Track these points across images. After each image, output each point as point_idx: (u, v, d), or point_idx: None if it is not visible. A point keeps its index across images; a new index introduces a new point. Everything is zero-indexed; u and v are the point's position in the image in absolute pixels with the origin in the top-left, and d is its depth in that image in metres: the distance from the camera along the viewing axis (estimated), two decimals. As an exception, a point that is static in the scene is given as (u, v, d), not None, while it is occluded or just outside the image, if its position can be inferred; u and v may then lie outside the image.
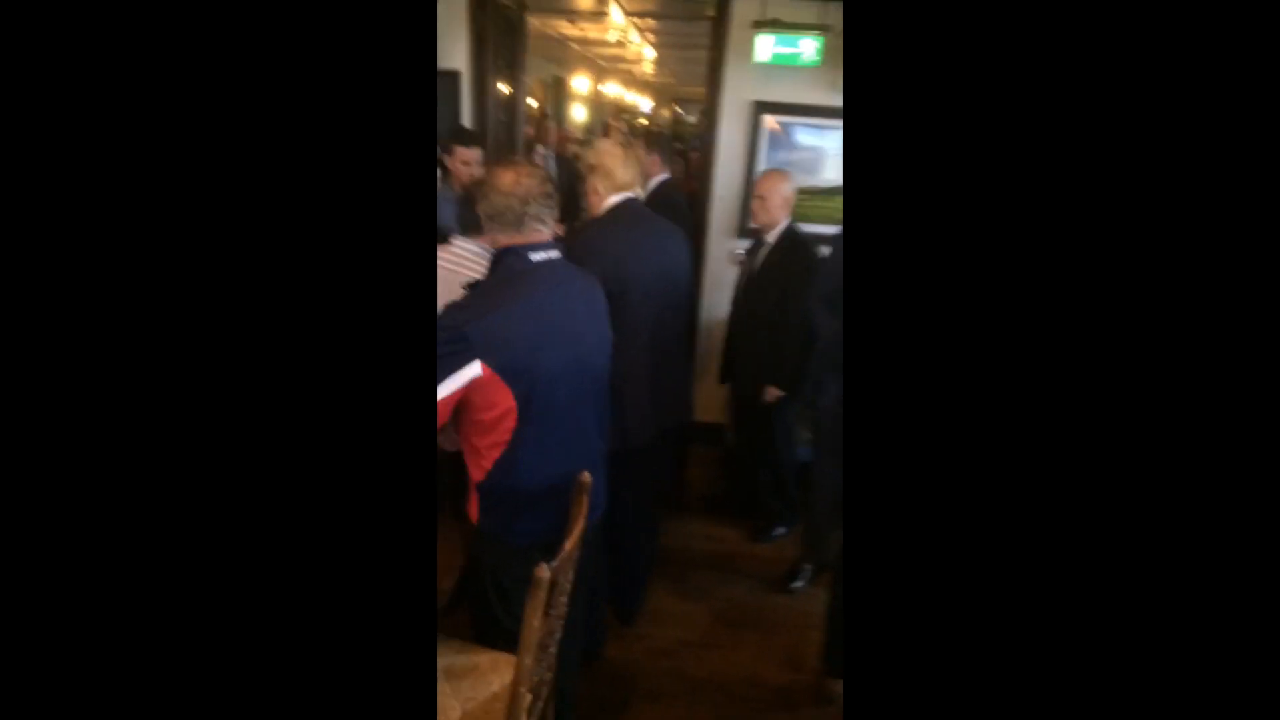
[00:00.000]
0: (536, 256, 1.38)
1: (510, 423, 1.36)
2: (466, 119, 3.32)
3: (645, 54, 9.99)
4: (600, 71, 10.37)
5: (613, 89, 10.38)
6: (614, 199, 1.89)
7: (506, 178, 1.36)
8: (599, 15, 6.12)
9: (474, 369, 1.25)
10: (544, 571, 1.08)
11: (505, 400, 1.32)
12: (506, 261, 1.38)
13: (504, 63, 3.60)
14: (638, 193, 1.94)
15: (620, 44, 8.21)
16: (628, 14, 6.07)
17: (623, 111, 11.10)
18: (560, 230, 1.53)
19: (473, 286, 1.49)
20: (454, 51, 3.24)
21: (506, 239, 1.37)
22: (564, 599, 1.29)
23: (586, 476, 1.40)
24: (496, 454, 1.38)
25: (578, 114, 8.72)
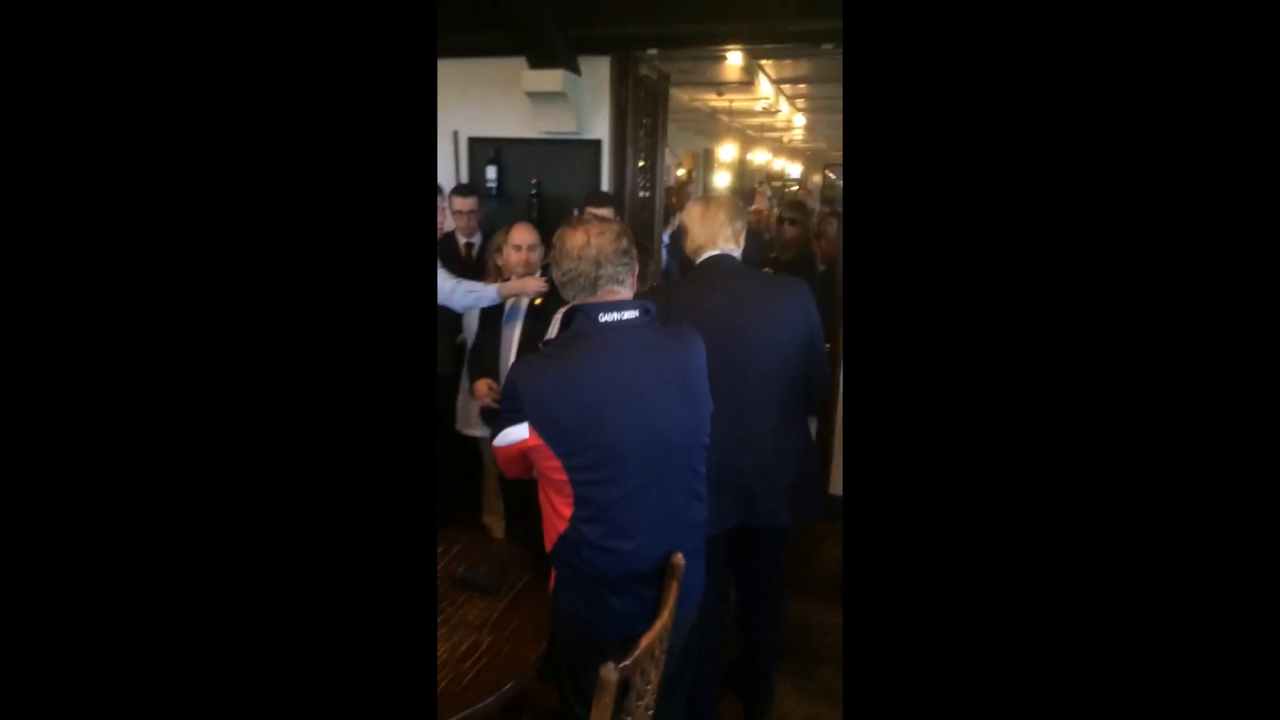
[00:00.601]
0: (606, 318, 1.25)
1: (567, 500, 1.24)
2: (605, 187, 3.40)
3: (795, 121, 10.02)
4: (748, 141, 10.50)
5: (761, 156, 10.44)
6: (697, 259, 1.79)
7: (577, 239, 1.26)
8: (746, 85, 6.18)
9: (522, 431, 1.19)
10: (610, 672, 0.94)
11: (558, 473, 1.21)
12: (575, 321, 1.28)
13: (646, 132, 3.68)
14: (729, 249, 1.78)
15: (769, 112, 8.28)
16: (775, 81, 6.08)
17: (771, 178, 11.11)
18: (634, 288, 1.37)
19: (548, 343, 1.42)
20: (596, 121, 3.35)
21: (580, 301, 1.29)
22: (642, 703, 1.13)
23: (679, 559, 1.25)
24: (562, 527, 1.27)
25: (721, 181, 8.82)
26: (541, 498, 1.29)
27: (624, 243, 1.28)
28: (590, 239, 1.25)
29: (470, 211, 3.03)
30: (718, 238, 1.76)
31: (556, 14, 3.01)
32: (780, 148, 12.16)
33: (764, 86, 6.66)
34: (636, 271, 1.33)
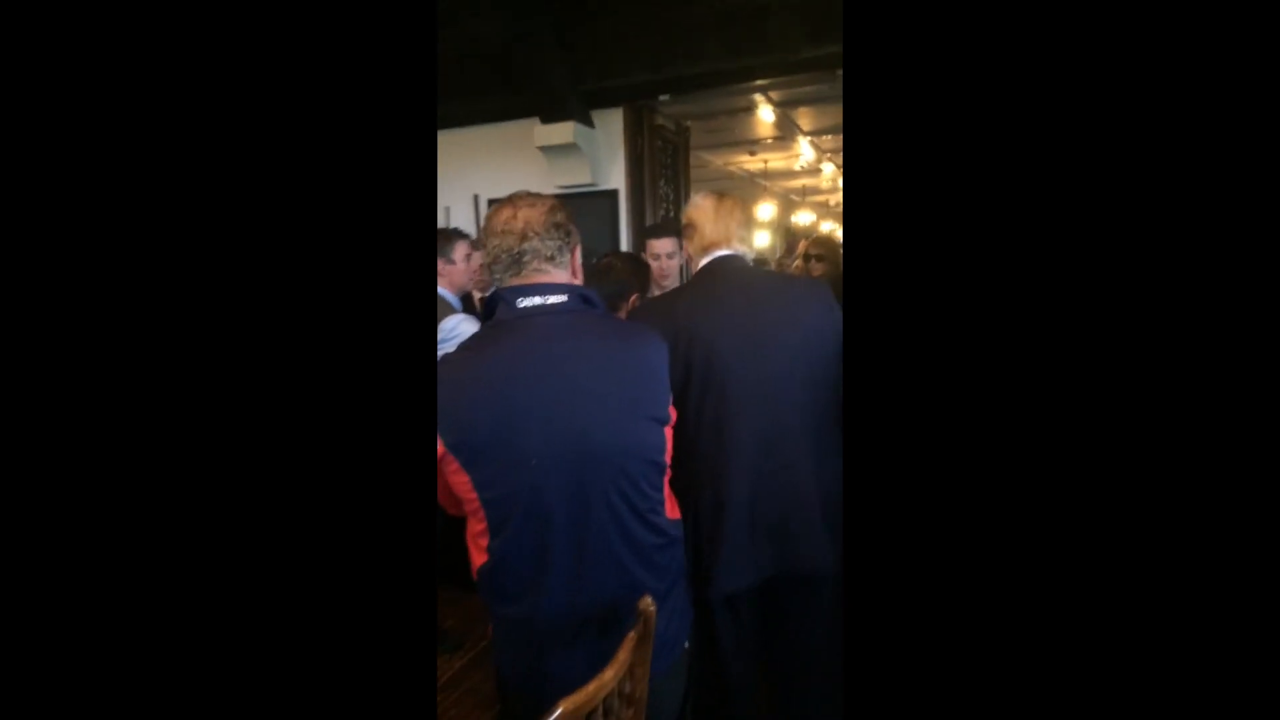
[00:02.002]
0: (526, 302, 1.02)
1: (481, 524, 1.01)
2: (624, 237, 3.31)
3: (840, 183, 9.92)
4: (790, 205, 10.44)
5: (805, 218, 10.34)
6: (704, 260, 1.50)
7: (503, 213, 1.05)
8: (781, 141, 6.13)
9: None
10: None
11: (467, 490, 0.98)
12: (494, 310, 1.06)
13: (666, 181, 3.61)
14: (740, 250, 1.50)
15: (810, 172, 8.20)
16: (809, 134, 5.99)
17: (818, 239, 10.93)
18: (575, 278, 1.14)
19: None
20: (612, 172, 3.30)
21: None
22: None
23: (647, 603, 1.01)
24: (480, 559, 1.04)
25: (761, 240, 8.67)
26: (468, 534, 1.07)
27: (558, 216, 1.07)
28: (518, 211, 1.05)
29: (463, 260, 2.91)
30: (732, 236, 1.48)
31: (566, 69, 3.02)
32: (827, 211, 12.06)
33: (802, 146, 6.61)
34: (577, 251, 1.11)
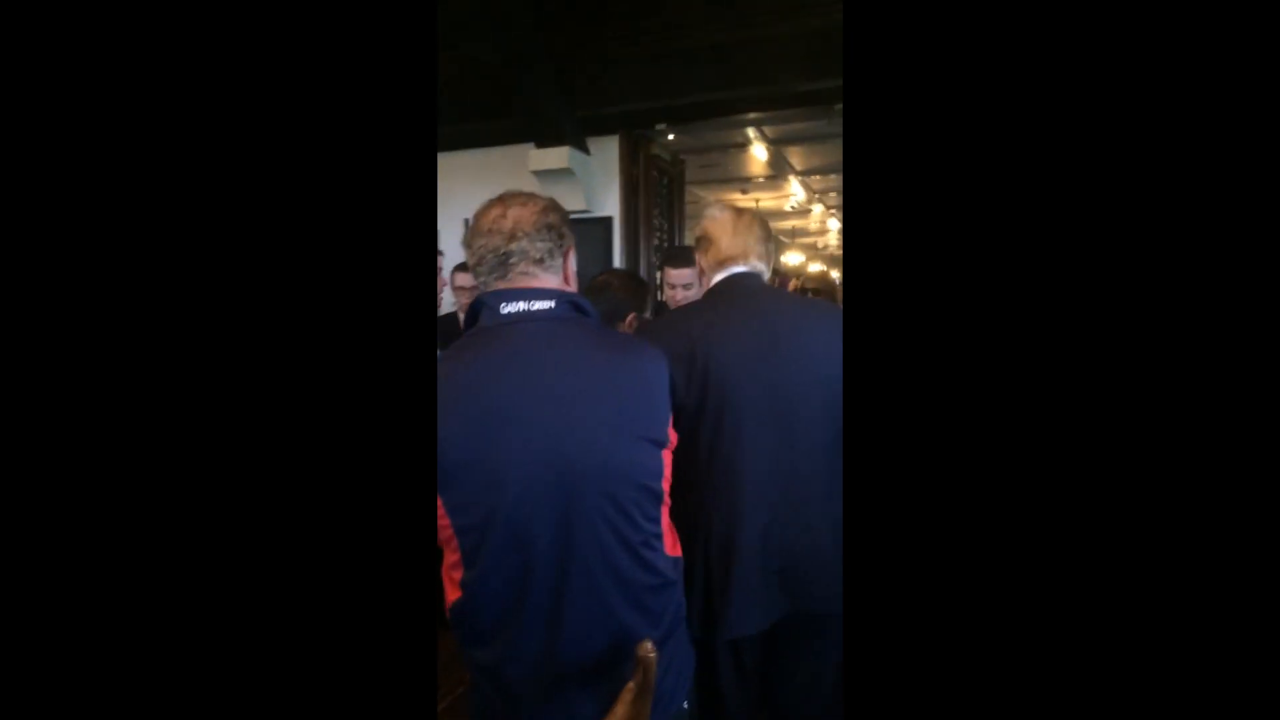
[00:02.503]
0: (510, 308, 0.92)
1: (454, 554, 0.90)
2: (618, 263, 3.24)
3: (830, 225, 10.02)
4: (779, 246, 10.52)
5: (794, 258, 10.41)
6: (718, 275, 1.39)
7: (492, 212, 0.96)
8: (774, 180, 6.17)
9: None
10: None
11: (440, 516, 0.87)
12: (477, 316, 0.96)
13: (660, 212, 3.56)
14: (758, 267, 1.39)
15: (800, 213, 8.27)
16: (802, 174, 6.04)
17: (805, 276, 11.01)
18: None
19: None
20: (606, 200, 3.25)
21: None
22: None
23: (647, 650, 0.89)
24: (454, 595, 0.92)
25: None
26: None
27: (550, 217, 0.97)
28: (507, 209, 0.96)
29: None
30: (750, 252, 1.37)
31: (562, 94, 2.99)
32: (815, 253, 12.16)
33: (794, 186, 6.65)
34: (570, 255, 1.02)
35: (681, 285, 2.10)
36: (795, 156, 5.42)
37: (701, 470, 1.29)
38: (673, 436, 1.00)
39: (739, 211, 1.43)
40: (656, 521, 0.96)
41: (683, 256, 2.26)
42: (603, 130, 3.17)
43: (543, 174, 3.07)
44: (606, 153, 3.21)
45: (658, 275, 2.92)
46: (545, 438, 0.87)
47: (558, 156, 3.00)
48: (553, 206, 0.99)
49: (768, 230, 1.45)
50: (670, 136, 3.65)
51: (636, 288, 1.80)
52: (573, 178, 3.08)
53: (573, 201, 3.15)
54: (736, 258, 1.39)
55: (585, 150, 3.15)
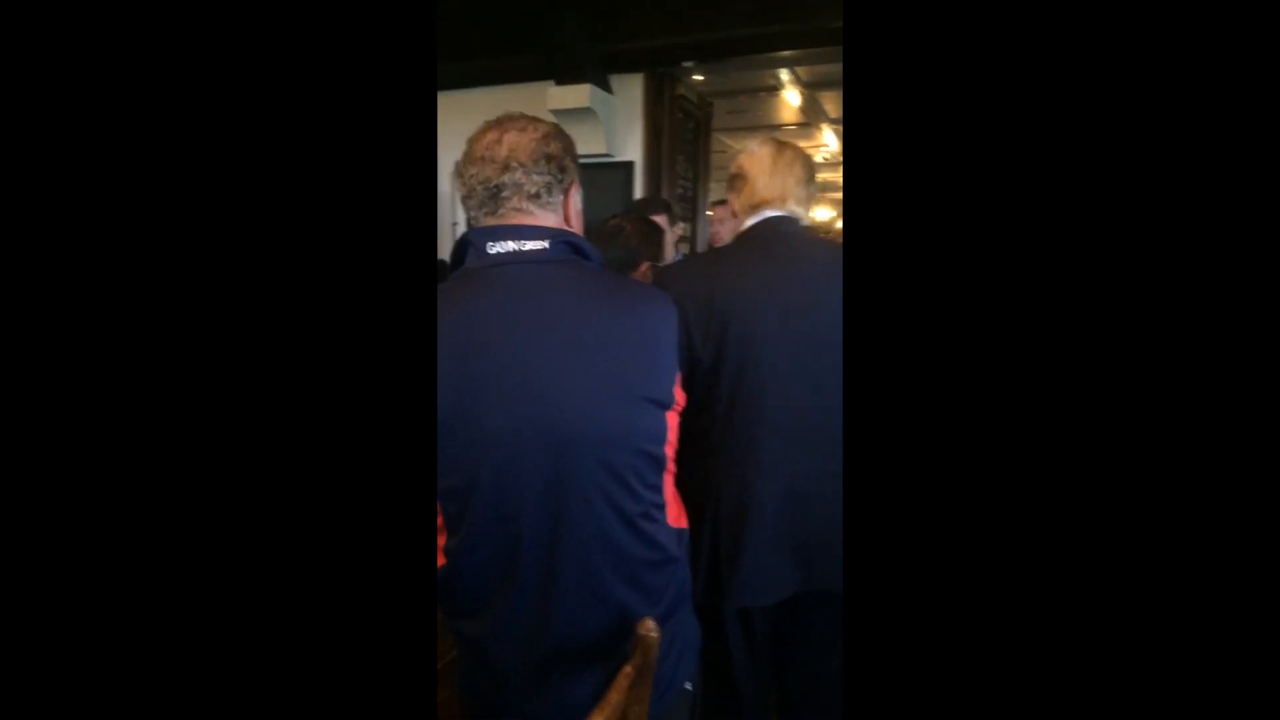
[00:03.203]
0: (497, 248, 0.82)
1: (438, 519, 0.82)
2: (638, 211, 3.10)
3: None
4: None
5: (824, 214, 10.08)
6: (751, 219, 1.25)
7: (485, 138, 0.85)
8: (806, 128, 5.89)
9: None
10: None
11: None
12: (463, 257, 0.86)
13: (685, 157, 3.39)
14: (796, 211, 1.26)
15: (832, 165, 7.95)
16: (835, 122, 5.76)
17: (833, 235, 10.70)
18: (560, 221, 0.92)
19: None
20: (628, 143, 3.09)
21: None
22: None
23: (648, 629, 0.81)
24: (440, 561, 0.85)
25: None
26: None
27: (551, 145, 0.85)
28: (503, 134, 0.84)
29: None
30: (788, 195, 1.23)
31: (583, 28, 2.81)
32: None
33: (826, 136, 6.35)
34: (574, 192, 0.90)
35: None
36: (829, 103, 5.13)
37: (717, 432, 1.19)
38: (680, 397, 0.89)
39: (780, 147, 1.28)
40: (658, 490, 0.86)
41: (653, 204, 2.22)
42: (626, 68, 2.99)
43: (562, 113, 2.91)
44: (630, 92, 3.03)
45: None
46: (533, 397, 0.78)
47: (578, 95, 2.84)
48: (555, 134, 0.87)
49: (810, 171, 1.30)
50: (698, 77, 3.45)
51: (651, 233, 1.67)
52: (594, 118, 2.92)
53: (593, 144, 3.00)
54: (773, 200, 1.24)
55: (608, 89, 2.98)
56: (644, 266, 1.60)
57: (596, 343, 0.81)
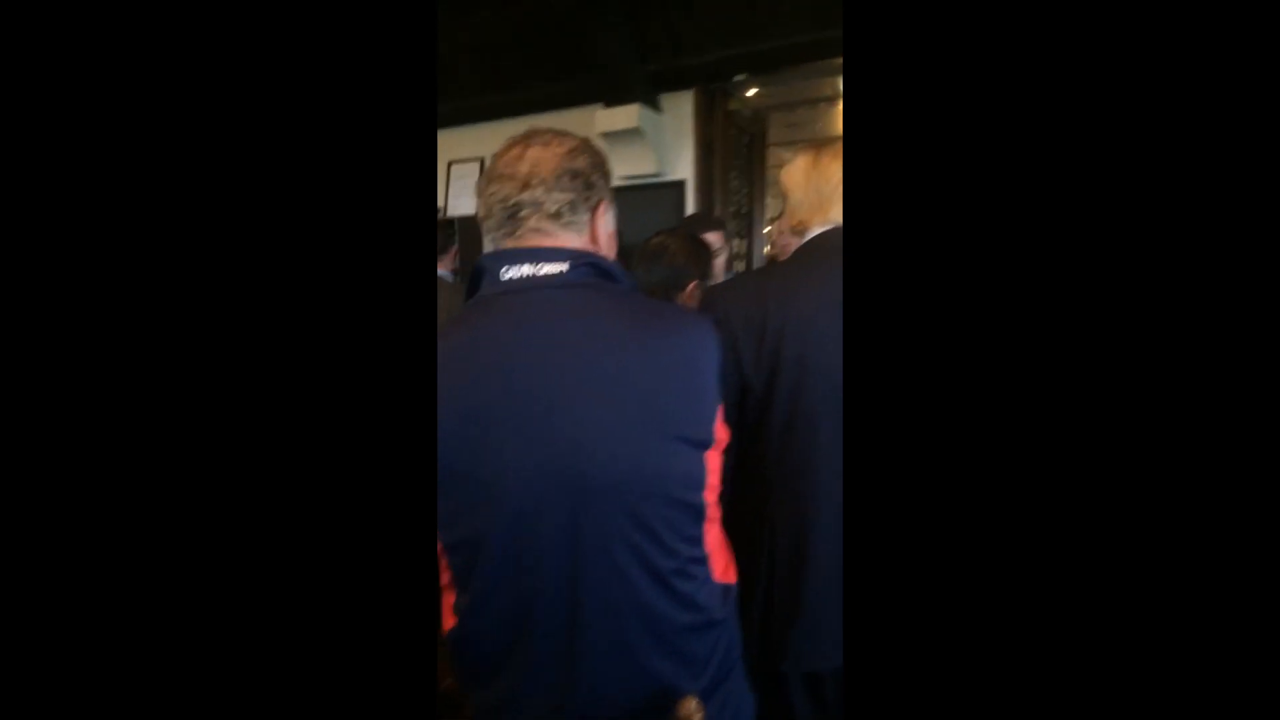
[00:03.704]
0: (512, 272, 0.73)
1: (446, 573, 0.74)
2: (692, 231, 3.01)
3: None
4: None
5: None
6: (809, 236, 1.14)
7: (508, 154, 0.77)
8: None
9: None
10: None
11: None
12: (478, 284, 0.78)
13: (738, 174, 3.29)
14: (839, 219, 1.14)
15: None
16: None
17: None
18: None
19: None
20: (679, 162, 3.01)
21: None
22: None
23: (690, 710, 0.69)
24: (450, 622, 0.75)
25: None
26: None
27: (578, 161, 0.77)
28: (527, 149, 0.76)
29: None
30: (830, 207, 1.12)
31: (632, 47, 2.76)
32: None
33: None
34: (604, 211, 0.80)
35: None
36: (892, 111, 4.95)
37: (770, 467, 1.07)
38: (722, 434, 0.78)
39: (817, 153, 1.15)
40: (696, 542, 0.75)
41: (704, 222, 2.06)
42: (677, 85, 2.92)
43: (611, 135, 2.86)
44: (680, 109, 2.96)
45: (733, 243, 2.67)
46: (550, 440, 0.68)
47: (627, 116, 2.78)
48: (583, 149, 0.79)
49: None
50: (752, 93, 3.35)
51: (698, 251, 1.56)
52: (643, 138, 2.85)
53: (643, 165, 2.94)
54: (812, 219, 1.12)
55: (657, 108, 2.92)
56: (691, 286, 1.49)
57: (622, 375, 0.71)
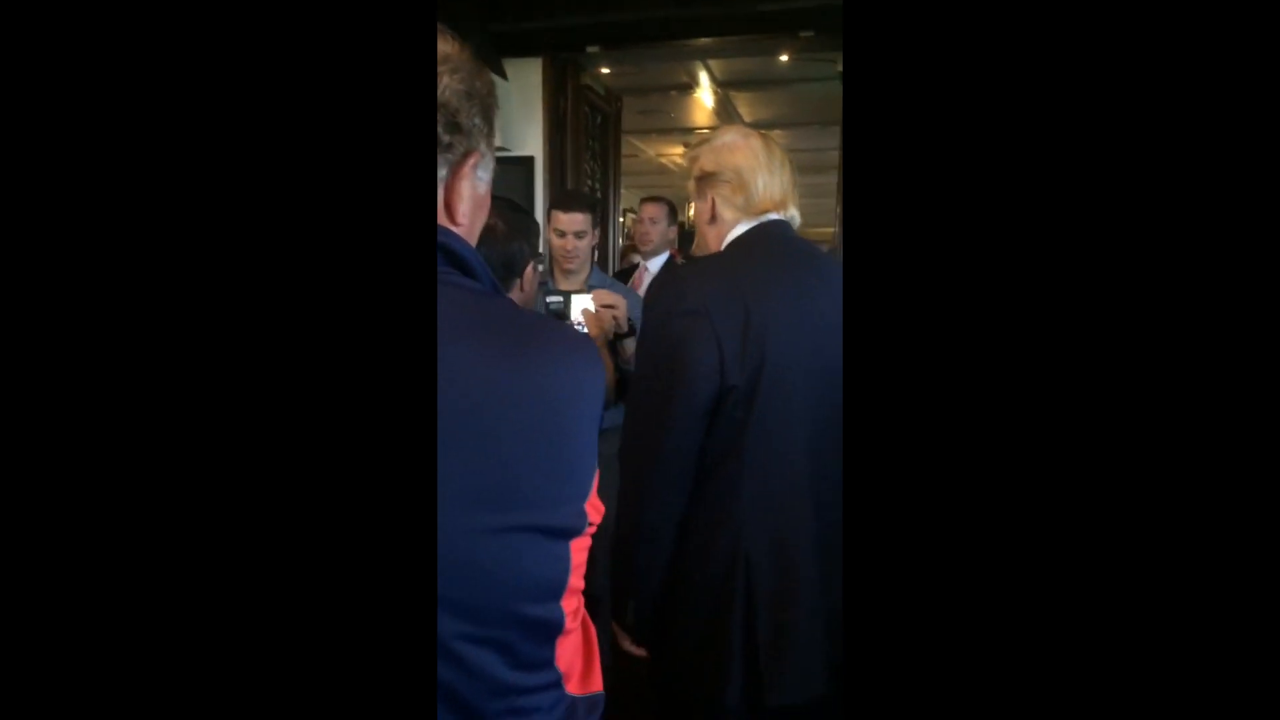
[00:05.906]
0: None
1: None
2: (540, 215, 2.76)
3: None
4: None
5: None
6: (743, 226, 1.01)
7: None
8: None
9: None
10: None
11: None
12: None
13: (592, 155, 3.07)
14: (795, 218, 1.05)
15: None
16: (750, 125, 5.61)
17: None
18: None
19: None
20: (527, 136, 2.74)
21: None
22: None
23: None
24: None
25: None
26: None
27: (446, 85, 0.50)
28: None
29: (577, 232, 2.23)
30: (788, 197, 1.03)
31: (474, 6, 2.44)
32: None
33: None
34: (470, 165, 0.52)
35: (574, 233, 1.73)
36: (743, 104, 4.95)
37: (746, 479, 0.95)
38: (596, 511, 0.54)
39: (765, 139, 1.05)
40: (545, 667, 0.52)
41: (573, 198, 1.87)
42: (524, 50, 2.64)
43: (449, 100, 2.53)
44: (528, 79, 2.69)
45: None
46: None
47: (467, 79, 2.47)
48: (460, 65, 0.54)
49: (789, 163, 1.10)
50: (605, 71, 3.15)
51: (526, 224, 1.30)
52: (486, 107, 2.55)
53: (486, 137, 2.64)
54: (771, 206, 1.01)
55: (502, 74, 2.62)
56: (529, 268, 1.24)
57: (462, 431, 0.46)
